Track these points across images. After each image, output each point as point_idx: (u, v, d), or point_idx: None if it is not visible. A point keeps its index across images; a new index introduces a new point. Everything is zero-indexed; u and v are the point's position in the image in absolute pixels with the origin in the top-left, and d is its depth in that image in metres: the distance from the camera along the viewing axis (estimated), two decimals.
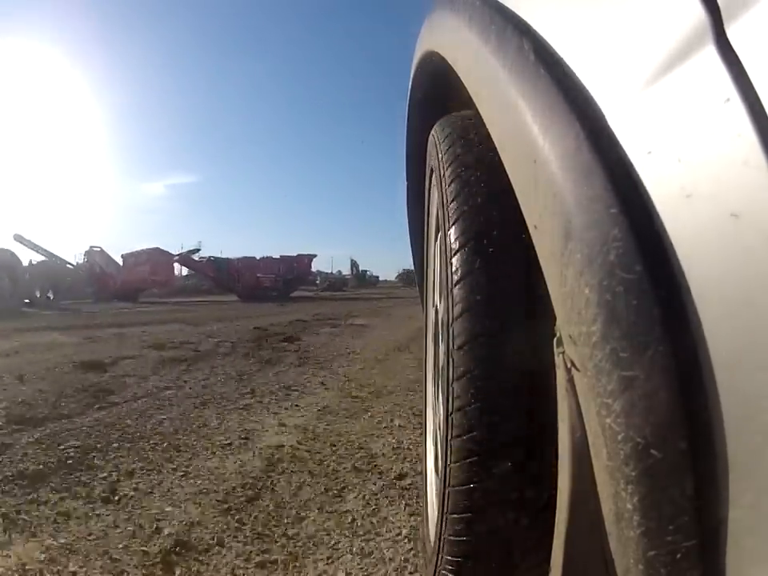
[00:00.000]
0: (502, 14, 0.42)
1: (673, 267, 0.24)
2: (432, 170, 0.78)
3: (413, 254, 1.42)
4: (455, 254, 0.49)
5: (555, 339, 0.35)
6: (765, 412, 0.20)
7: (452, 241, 0.50)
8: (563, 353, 0.33)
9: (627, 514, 0.25)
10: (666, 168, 0.25)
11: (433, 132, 0.71)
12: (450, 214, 0.52)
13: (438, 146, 0.64)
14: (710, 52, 0.23)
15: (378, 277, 40.92)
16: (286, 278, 17.98)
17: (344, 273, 37.31)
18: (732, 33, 0.23)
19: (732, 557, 0.22)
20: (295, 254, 19.19)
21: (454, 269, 0.49)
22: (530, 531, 0.45)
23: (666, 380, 0.23)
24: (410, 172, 1.22)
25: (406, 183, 1.29)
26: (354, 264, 36.64)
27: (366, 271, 37.52)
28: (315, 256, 20.25)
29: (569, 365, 0.32)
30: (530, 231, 0.35)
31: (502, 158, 0.41)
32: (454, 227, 0.51)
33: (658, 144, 0.26)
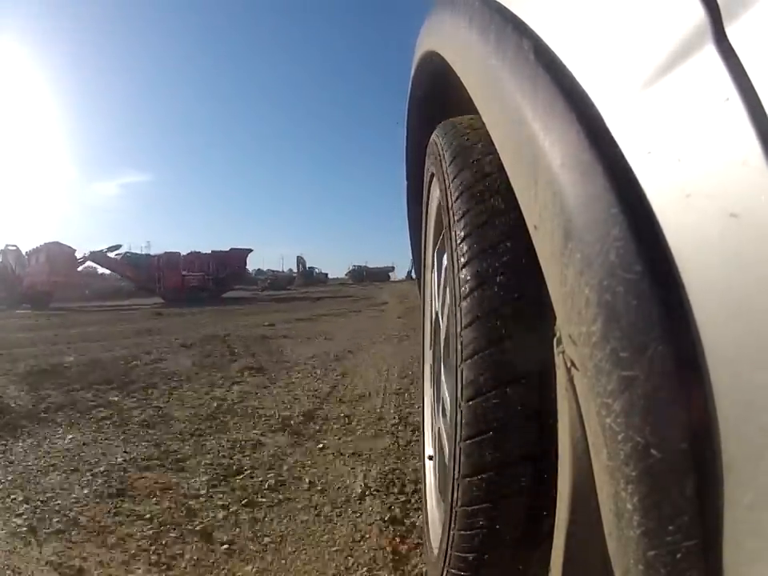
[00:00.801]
0: (502, 15, 0.42)
1: (673, 267, 0.24)
2: (432, 174, 0.78)
3: (412, 253, 1.43)
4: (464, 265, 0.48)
5: (555, 339, 0.35)
6: (765, 412, 0.20)
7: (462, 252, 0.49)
8: (563, 353, 0.33)
9: (627, 514, 0.25)
10: (666, 168, 0.25)
11: (433, 137, 0.70)
12: (459, 231, 0.50)
13: (439, 153, 0.63)
14: (709, 52, 0.23)
15: (327, 274, 38.63)
16: (218, 277, 15.74)
17: (295, 271, 35.10)
18: (732, 33, 0.23)
19: (732, 557, 0.22)
20: (228, 249, 16.60)
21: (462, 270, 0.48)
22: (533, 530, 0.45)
23: (666, 380, 0.23)
24: (410, 171, 1.22)
25: (406, 182, 1.30)
26: (300, 261, 34.64)
27: (312, 268, 35.59)
28: (251, 251, 17.68)
29: (569, 365, 0.32)
30: (530, 231, 0.35)
31: (501, 158, 0.41)
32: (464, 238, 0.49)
33: (657, 144, 0.26)
